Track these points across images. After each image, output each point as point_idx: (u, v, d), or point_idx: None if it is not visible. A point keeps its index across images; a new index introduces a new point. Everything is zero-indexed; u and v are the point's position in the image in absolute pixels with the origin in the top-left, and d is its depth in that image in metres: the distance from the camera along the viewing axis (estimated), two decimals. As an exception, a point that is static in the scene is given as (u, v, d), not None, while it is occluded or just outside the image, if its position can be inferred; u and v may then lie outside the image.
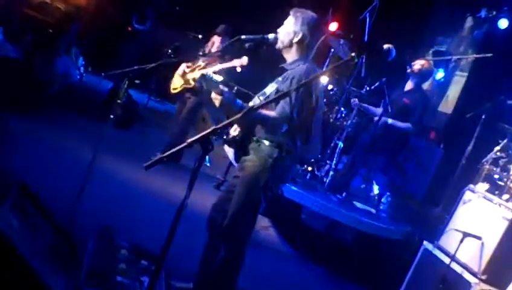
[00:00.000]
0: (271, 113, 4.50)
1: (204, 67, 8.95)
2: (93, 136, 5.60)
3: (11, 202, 4.34)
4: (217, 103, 4.53)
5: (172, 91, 9.60)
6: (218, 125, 3.22)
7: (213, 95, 4.54)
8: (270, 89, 4.80)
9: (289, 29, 4.81)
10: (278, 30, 4.89)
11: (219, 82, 4.48)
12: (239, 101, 4.56)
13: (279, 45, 4.87)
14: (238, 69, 7.62)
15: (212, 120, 10.66)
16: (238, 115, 3.44)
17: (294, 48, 4.81)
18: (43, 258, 4.11)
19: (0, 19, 12.25)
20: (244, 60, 7.41)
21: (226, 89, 4.51)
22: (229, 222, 4.71)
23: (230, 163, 6.35)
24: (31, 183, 4.71)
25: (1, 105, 8.40)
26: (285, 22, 4.90)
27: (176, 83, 9.49)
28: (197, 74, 9.08)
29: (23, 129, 8.45)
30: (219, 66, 8.09)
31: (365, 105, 8.38)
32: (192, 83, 9.21)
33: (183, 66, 9.38)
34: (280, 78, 4.84)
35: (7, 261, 3.75)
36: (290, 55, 4.85)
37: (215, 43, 9.35)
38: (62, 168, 7.36)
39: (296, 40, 4.78)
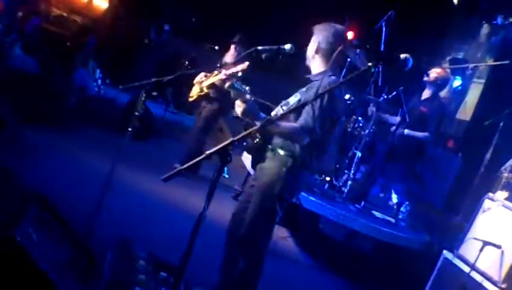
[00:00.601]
0: (292, 124, 4.50)
1: (217, 75, 9.01)
2: (111, 149, 5.63)
3: (31, 215, 4.36)
4: (239, 110, 4.54)
5: (190, 99, 9.65)
6: (236, 137, 3.23)
7: (237, 102, 4.55)
8: (294, 99, 4.81)
9: (313, 43, 4.84)
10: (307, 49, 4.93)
11: (247, 91, 4.50)
12: (262, 114, 4.57)
13: (307, 61, 4.91)
14: (239, 74, 7.65)
15: (229, 130, 10.69)
16: (256, 127, 3.46)
17: (317, 59, 4.82)
18: (62, 271, 4.13)
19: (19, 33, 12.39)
20: (245, 64, 7.43)
21: (251, 99, 4.52)
22: (245, 231, 4.73)
23: (248, 173, 6.37)
24: (50, 196, 4.75)
25: (20, 118, 8.47)
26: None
27: (193, 92, 9.55)
28: (210, 81, 9.14)
29: (41, 142, 8.52)
30: (224, 73, 8.11)
31: (383, 115, 8.36)
32: (206, 90, 9.26)
33: (201, 75, 9.42)
34: (304, 89, 4.85)
35: (27, 274, 3.78)
36: (315, 67, 4.86)
37: (231, 52, 9.39)
38: (80, 180, 7.40)
39: (317, 51, 4.80)
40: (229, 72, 7.23)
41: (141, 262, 5.00)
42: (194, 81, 9.55)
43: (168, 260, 5.21)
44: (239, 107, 4.53)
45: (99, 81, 13.77)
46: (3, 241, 3.89)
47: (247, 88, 4.53)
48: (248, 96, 4.49)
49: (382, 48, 8.45)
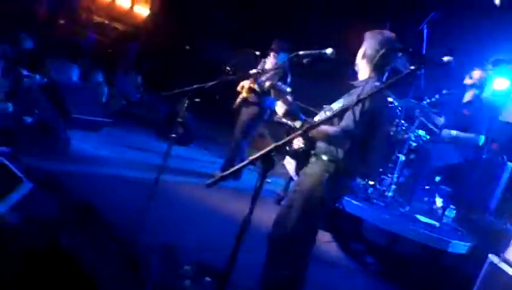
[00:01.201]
0: (334, 128, 4.49)
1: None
2: (154, 155, 5.69)
3: (76, 220, 4.43)
4: (281, 111, 4.56)
5: (234, 107, 9.68)
6: (279, 143, 3.23)
7: (279, 103, 4.56)
8: (337, 104, 4.80)
9: (361, 49, 4.84)
10: None
11: (287, 92, 4.50)
12: (302, 115, 4.58)
13: (355, 66, 4.91)
14: (270, 72, 7.57)
15: (270, 136, 10.69)
16: (298, 132, 3.46)
17: (363, 65, 4.82)
18: (106, 276, 4.18)
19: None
20: (274, 63, 7.37)
21: (292, 100, 4.53)
22: (289, 236, 4.74)
23: (291, 178, 6.37)
24: (94, 202, 4.81)
25: (65, 125, 8.60)
26: None
27: (237, 99, 9.59)
28: (249, 85, 9.19)
29: (85, 148, 8.62)
30: (265, 76, 8.13)
31: (430, 113, 8.30)
32: (245, 94, 9.30)
33: (244, 82, 9.45)
34: (347, 94, 4.84)
35: (72, 278, 3.83)
36: (361, 73, 4.86)
37: (271, 58, 9.38)
38: (124, 186, 7.48)
39: (363, 57, 4.79)
40: (267, 74, 7.25)
41: (186, 268, 5.04)
42: (238, 88, 9.58)
43: (213, 265, 5.24)
44: (280, 108, 4.55)
45: (141, 88, 13.90)
46: (49, 245, 3.96)
47: (288, 88, 4.54)
48: (289, 97, 4.50)
49: (424, 51, 8.38)
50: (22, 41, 11.79)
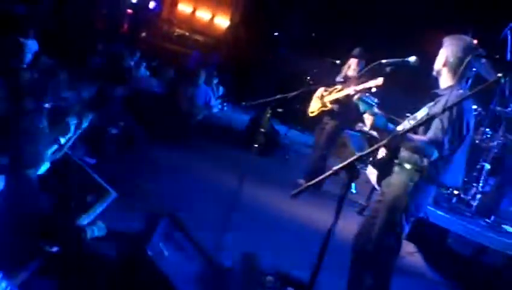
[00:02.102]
0: (421, 137, 4.42)
1: (341, 90, 8.93)
2: (237, 165, 5.73)
3: (161, 231, 4.49)
4: (368, 123, 4.51)
5: (310, 114, 9.63)
6: (364, 152, 3.21)
7: (366, 116, 4.52)
8: (421, 113, 4.74)
9: (441, 56, 4.74)
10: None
11: (375, 104, 4.46)
12: (390, 125, 4.53)
13: (434, 73, 4.81)
14: (373, 89, 7.54)
15: (352, 145, 10.60)
16: (384, 141, 3.43)
17: (445, 73, 4.71)
18: (191, 286, 4.22)
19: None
20: (379, 80, 7.31)
21: (379, 112, 4.48)
22: (372, 248, 4.69)
23: (373, 188, 6.30)
24: (179, 213, 4.87)
25: (148, 136, 8.75)
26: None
27: (314, 107, 9.52)
28: (334, 96, 9.09)
29: (169, 160, 8.75)
30: (354, 88, 7.99)
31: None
32: (329, 105, 9.21)
33: (321, 90, 9.39)
34: (432, 103, 4.75)
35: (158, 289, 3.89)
36: (443, 81, 4.75)
37: (352, 66, 9.28)
38: (207, 196, 7.54)
39: (445, 64, 4.69)
40: (360, 87, 7.14)
41: (269, 278, 5.04)
42: (314, 96, 9.53)
43: (294, 275, 5.23)
44: (368, 120, 4.50)
45: (223, 99, 14.01)
46: (136, 255, 4.03)
47: (375, 100, 4.49)
48: (376, 109, 4.45)
49: (508, 57, 8.18)
50: (124, 59, 12.13)
